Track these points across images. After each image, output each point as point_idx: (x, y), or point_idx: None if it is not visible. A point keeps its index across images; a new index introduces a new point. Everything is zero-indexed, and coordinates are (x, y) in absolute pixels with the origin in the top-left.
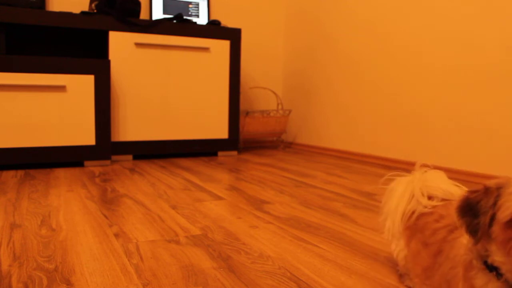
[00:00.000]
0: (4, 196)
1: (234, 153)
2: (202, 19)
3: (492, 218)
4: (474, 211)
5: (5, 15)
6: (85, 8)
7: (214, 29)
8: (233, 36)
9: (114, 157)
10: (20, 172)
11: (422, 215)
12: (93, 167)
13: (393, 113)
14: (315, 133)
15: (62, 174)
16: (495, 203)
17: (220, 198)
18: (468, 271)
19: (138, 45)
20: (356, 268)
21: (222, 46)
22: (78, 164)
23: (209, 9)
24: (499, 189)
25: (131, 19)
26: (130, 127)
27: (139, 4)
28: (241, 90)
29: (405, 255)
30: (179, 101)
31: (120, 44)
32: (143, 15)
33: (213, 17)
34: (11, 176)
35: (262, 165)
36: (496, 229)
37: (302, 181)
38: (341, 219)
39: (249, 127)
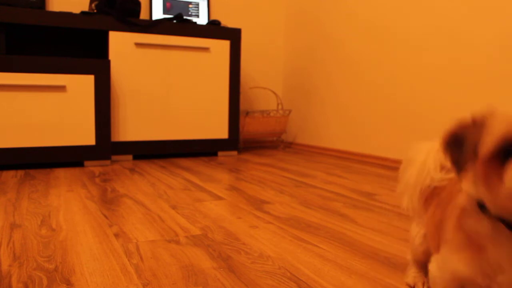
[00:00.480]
0: (4, 196)
1: (234, 153)
2: (202, 19)
3: (475, 152)
4: (460, 144)
5: (5, 15)
6: (85, 8)
7: (214, 29)
8: (233, 36)
9: (114, 157)
10: (20, 172)
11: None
12: (93, 167)
13: (393, 113)
14: (315, 133)
15: (62, 174)
16: (478, 136)
17: (220, 198)
18: (462, 213)
19: (138, 45)
20: (356, 268)
21: (222, 46)
22: (78, 164)
23: (209, 9)
24: (483, 121)
25: (131, 19)
26: (130, 127)
27: (139, 4)
28: (241, 90)
29: (423, 235)
30: (179, 101)
31: (120, 44)
32: (143, 15)
33: (213, 17)
34: (11, 176)
35: (262, 165)
36: (478, 164)
37: (302, 181)
38: (341, 219)
39: (249, 127)
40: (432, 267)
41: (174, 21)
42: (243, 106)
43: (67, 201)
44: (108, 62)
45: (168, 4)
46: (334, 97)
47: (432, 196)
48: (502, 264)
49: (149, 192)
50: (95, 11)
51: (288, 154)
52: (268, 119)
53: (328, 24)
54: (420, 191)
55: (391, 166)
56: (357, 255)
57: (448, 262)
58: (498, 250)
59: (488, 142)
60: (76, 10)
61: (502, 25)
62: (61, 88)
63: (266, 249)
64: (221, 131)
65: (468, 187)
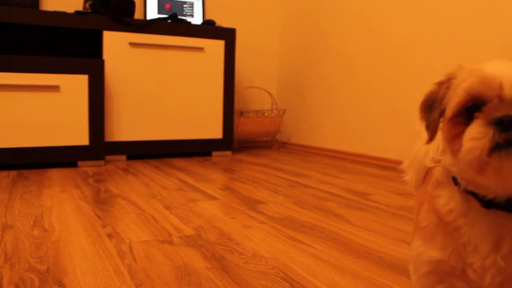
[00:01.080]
0: None
1: (229, 153)
2: (196, 19)
3: (442, 113)
4: (432, 107)
5: None
6: (79, 7)
7: (208, 29)
8: (228, 36)
9: (108, 157)
10: (13, 173)
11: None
12: (86, 167)
13: (388, 114)
14: (309, 133)
15: (55, 174)
16: (444, 97)
17: (214, 198)
18: (435, 189)
19: (133, 44)
20: (349, 267)
21: (216, 46)
22: (72, 164)
23: (204, 8)
24: (449, 80)
25: (126, 18)
26: (124, 127)
27: (133, 4)
28: (236, 90)
29: None
30: (174, 101)
31: (115, 44)
32: (138, 15)
33: (207, 17)
34: (3, 177)
35: (257, 165)
36: (443, 125)
37: (296, 181)
38: (335, 219)
39: (244, 127)
40: (411, 250)
41: (169, 20)
42: (237, 106)
43: (60, 202)
44: (102, 62)
45: (167, 5)
46: (328, 97)
47: (426, 175)
48: (475, 244)
49: (142, 192)
50: (89, 10)
51: (283, 154)
52: (262, 119)
53: (324, 24)
54: (424, 168)
55: (386, 166)
56: (351, 255)
57: (421, 251)
58: (471, 229)
59: (452, 101)
60: (70, 10)
61: (498, 25)
62: (55, 88)
63: (260, 249)
64: (216, 131)
65: (441, 156)
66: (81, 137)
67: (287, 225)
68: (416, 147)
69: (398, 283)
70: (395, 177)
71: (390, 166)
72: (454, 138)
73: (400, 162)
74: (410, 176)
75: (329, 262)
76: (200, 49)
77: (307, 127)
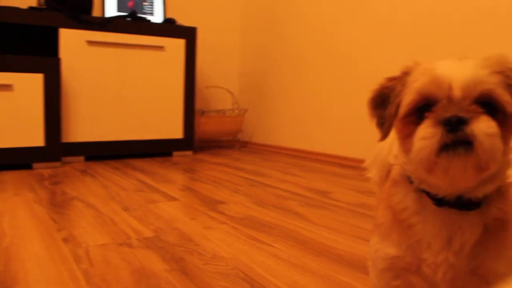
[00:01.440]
0: None
1: (189, 153)
2: (157, 17)
3: (397, 110)
4: (384, 104)
5: None
6: (33, 3)
7: (169, 28)
8: (189, 34)
9: (65, 159)
10: None
11: None
12: (42, 169)
13: (346, 112)
14: (270, 132)
15: (8, 177)
16: (401, 92)
17: (174, 199)
18: (391, 187)
19: (91, 43)
20: (309, 266)
21: (177, 45)
22: (26, 166)
23: (165, 7)
24: (405, 76)
25: (83, 16)
26: (82, 128)
27: (91, 0)
28: (197, 89)
29: None
30: (134, 100)
31: (72, 42)
32: (96, 12)
33: (168, 15)
34: None
35: (218, 164)
36: (396, 124)
37: (257, 180)
38: (296, 218)
39: (205, 126)
40: (370, 247)
41: (128, 19)
42: (198, 105)
43: (13, 206)
44: (59, 60)
45: (130, 3)
46: (288, 97)
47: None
48: (428, 240)
49: (101, 194)
50: (44, 6)
51: (244, 154)
52: (223, 119)
53: (283, 24)
54: (387, 165)
55: (346, 164)
56: (310, 254)
57: (378, 247)
58: (424, 226)
59: (405, 100)
60: (24, 5)
61: (447, 26)
62: (8, 87)
63: (220, 250)
64: (176, 131)
65: (397, 154)
66: (36, 138)
67: (248, 225)
68: (379, 144)
69: (358, 280)
70: (355, 175)
71: (350, 165)
72: (406, 137)
73: (359, 161)
74: (373, 173)
75: (289, 261)
76: (160, 48)
77: (268, 127)
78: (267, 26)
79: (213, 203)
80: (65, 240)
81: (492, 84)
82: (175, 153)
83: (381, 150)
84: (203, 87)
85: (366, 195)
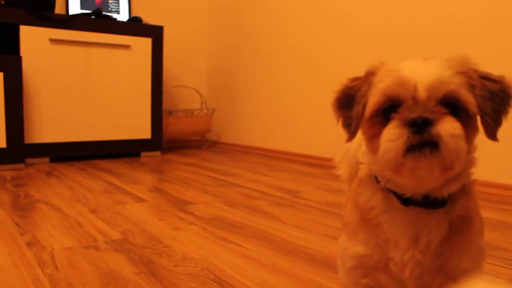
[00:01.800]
0: None
1: (158, 153)
2: (122, 16)
3: (364, 110)
4: (350, 105)
5: None
6: None
7: (135, 26)
8: (155, 33)
9: (28, 160)
10: None
11: None
12: (4, 171)
13: (314, 111)
14: (239, 132)
15: None
16: (367, 92)
17: (142, 200)
18: (358, 186)
19: (54, 41)
20: (279, 265)
21: (143, 44)
22: None
23: (130, 5)
24: (370, 76)
25: (45, 13)
26: (46, 128)
27: None
28: (164, 89)
29: None
30: (100, 100)
31: (33, 39)
32: (59, 9)
33: (134, 14)
34: None
35: (186, 165)
36: (362, 125)
37: (226, 180)
38: (265, 217)
39: (173, 126)
40: (338, 245)
41: (92, 17)
42: (166, 105)
43: None
44: (20, 58)
45: (98, 0)
46: (256, 97)
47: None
48: (395, 239)
49: (66, 196)
50: (2, 2)
51: (213, 154)
52: (192, 118)
53: (251, 22)
54: (356, 163)
55: (315, 163)
56: (280, 253)
57: (346, 246)
58: (391, 225)
59: (370, 100)
60: None
61: (412, 26)
62: None
63: (189, 251)
64: (144, 131)
65: (364, 155)
66: None
67: (217, 225)
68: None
69: (328, 279)
70: (324, 174)
71: (319, 164)
72: (373, 138)
73: (328, 159)
74: (342, 171)
75: (259, 261)
76: (126, 46)
77: (236, 126)
78: (235, 25)
79: (182, 204)
80: (29, 244)
81: (456, 84)
82: (143, 154)
83: (351, 147)
84: (171, 87)
85: (335, 194)
